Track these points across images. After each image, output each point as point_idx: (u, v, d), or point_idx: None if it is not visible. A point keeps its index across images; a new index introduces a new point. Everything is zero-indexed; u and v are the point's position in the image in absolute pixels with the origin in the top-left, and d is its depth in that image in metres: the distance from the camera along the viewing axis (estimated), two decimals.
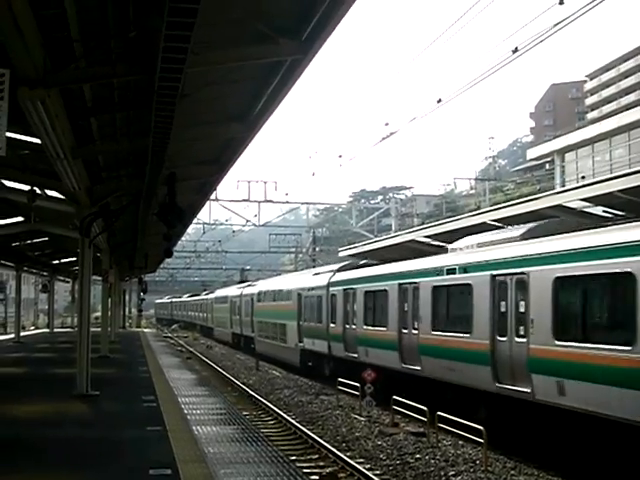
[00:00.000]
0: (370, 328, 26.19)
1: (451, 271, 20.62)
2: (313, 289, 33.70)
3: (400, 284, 23.81)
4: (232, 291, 61.18)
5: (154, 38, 9.90)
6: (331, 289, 30.96)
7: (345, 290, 29.13)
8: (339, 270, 31.98)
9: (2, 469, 11.08)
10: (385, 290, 24.87)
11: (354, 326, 27.79)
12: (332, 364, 30.89)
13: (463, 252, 21.30)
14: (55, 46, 11.49)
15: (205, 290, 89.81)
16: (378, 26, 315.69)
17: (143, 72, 11.98)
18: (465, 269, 19.83)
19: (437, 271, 21.51)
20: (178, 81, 10.91)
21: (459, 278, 20.14)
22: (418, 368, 21.99)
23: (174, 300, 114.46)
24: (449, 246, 23.03)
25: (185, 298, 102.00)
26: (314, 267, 57.28)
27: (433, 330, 21.33)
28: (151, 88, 11.58)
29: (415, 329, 22.52)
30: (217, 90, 15.18)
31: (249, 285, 54.68)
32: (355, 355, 27.19)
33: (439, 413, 18.17)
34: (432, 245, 27.77)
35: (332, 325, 30.36)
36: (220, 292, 70.41)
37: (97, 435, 14.21)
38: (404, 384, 22.60)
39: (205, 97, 15.10)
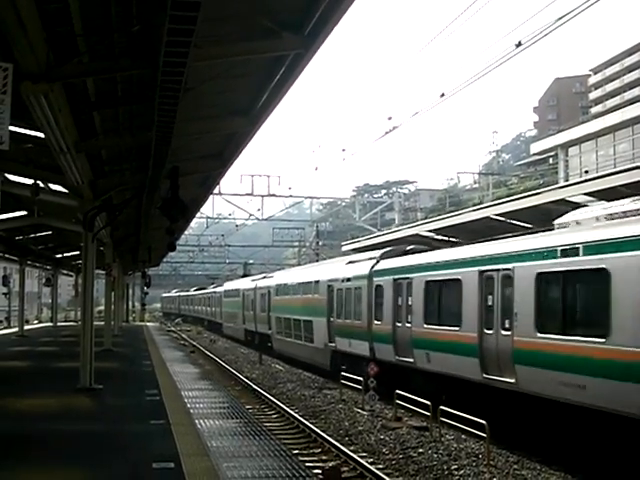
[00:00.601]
0: (434, 327, 21.14)
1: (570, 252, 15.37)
2: (349, 280, 28.52)
3: (482, 272, 18.70)
4: (244, 283, 56.08)
5: (157, 32, 9.90)
6: (375, 279, 25.99)
7: (396, 280, 24.06)
8: (384, 257, 26.80)
9: (6, 462, 11.11)
10: (457, 280, 19.84)
11: (409, 324, 22.84)
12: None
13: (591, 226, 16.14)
14: (58, 40, 11.50)
15: (213, 283, 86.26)
16: (381, 20, 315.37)
17: (146, 66, 11.98)
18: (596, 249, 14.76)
19: (548, 253, 16.21)
20: (181, 75, 10.91)
21: (585, 261, 14.90)
22: (511, 380, 17.12)
23: (181, 294, 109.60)
24: (557, 221, 18.30)
25: (192, 292, 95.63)
26: (317, 261, 56.97)
27: (541, 332, 16.07)
28: (154, 82, 11.59)
29: (506, 330, 17.31)
30: (220, 84, 15.18)
31: (264, 277, 49.73)
32: (410, 360, 22.49)
33: (442, 407, 18.20)
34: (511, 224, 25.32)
35: (377, 323, 25.46)
36: (230, 285, 64.95)
37: (101, 429, 14.23)
38: (482, 399, 18.37)
39: (208, 91, 15.10)
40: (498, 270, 18.03)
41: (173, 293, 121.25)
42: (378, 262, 26.59)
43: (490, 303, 18.32)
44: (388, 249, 28.08)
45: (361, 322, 26.64)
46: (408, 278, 23.24)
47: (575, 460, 15.10)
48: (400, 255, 26.09)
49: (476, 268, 18.99)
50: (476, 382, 18.49)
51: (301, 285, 36.61)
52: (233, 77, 14.88)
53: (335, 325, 29.86)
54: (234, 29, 12.19)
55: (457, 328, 19.59)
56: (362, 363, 25.59)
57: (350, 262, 30.15)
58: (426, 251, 24.64)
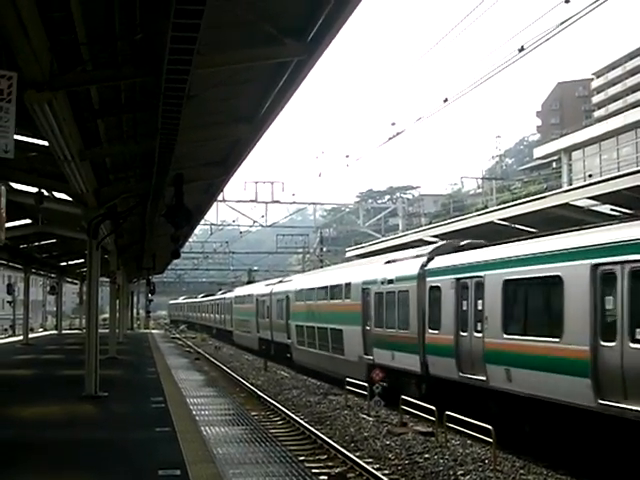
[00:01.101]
0: (519, 338, 17.04)
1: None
2: (390, 281, 24.54)
3: (596, 265, 14.49)
4: (258, 289, 51.97)
5: (160, 40, 9.92)
6: (430, 280, 21.90)
7: (460, 280, 20.14)
8: (437, 253, 22.98)
9: (12, 470, 11.11)
10: (557, 277, 15.70)
11: (478, 334, 18.83)
12: (427, 387, 21.78)
13: None
14: (62, 49, 11.53)
15: (220, 289, 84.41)
16: (384, 26, 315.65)
17: (150, 74, 12.01)
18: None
19: None
20: (184, 82, 10.93)
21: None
22: None
23: (189, 300, 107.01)
24: None
25: (200, 298, 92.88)
26: (321, 267, 56.67)
27: None
28: (158, 90, 11.61)
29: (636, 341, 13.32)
30: (223, 91, 15.20)
31: (281, 281, 45.95)
32: (480, 378, 18.60)
33: (447, 412, 18.17)
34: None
35: (431, 332, 21.43)
36: (242, 290, 61.15)
37: (106, 436, 14.22)
38: (598, 428, 14.56)
39: (211, 98, 15.13)
40: (626, 263, 13.80)
41: (180, 300, 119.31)
42: (431, 259, 22.54)
43: (611, 306, 14.24)
44: (439, 244, 24.61)
45: (409, 331, 22.63)
46: (478, 277, 19.19)
47: (581, 464, 15.07)
48: (454, 251, 22.27)
49: (587, 261, 14.73)
50: (586, 409, 14.58)
51: (328, 289, 32.45)
52: (236, 84, 14.90)
53: (372, 334, 25.80)
54: (237, 36, 12.21)
55: (557, 340, 15.47)
56: (410, 380, 22.54)
57: (389, 261, 26.26)
58: (485, 246, 20.98)
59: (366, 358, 26.23)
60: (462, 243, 22.89)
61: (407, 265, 24.01)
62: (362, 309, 26.96)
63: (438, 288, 21.22)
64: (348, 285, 29.13)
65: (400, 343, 23.31)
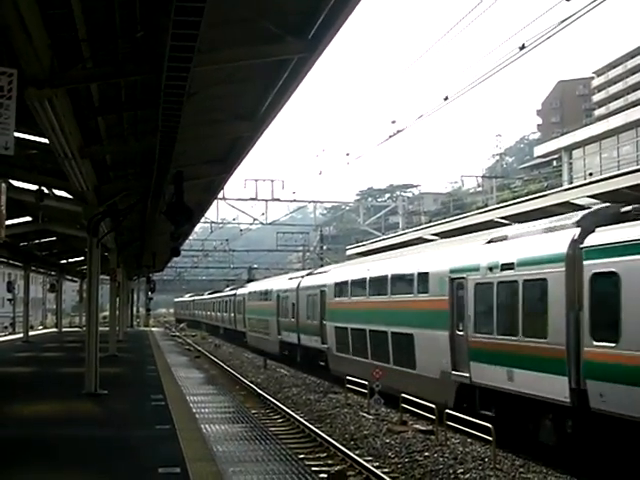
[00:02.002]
0: None
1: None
2: (507, 267, 17.52)
3: None
4: (280, 283, 44.63)
5: (161, 37, 9.92)
6: (592, 263, 14.66)
7: None
8: (597, 223, 15.47)
9: (13, 468, 11.11)
10: None
11: None
12: (576, 425, 15.09)
13: None
14: (62, 46, 11.53)
15: (228, 285, 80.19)
16: (385, 24, 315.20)
17: (150, 71, 12.01)
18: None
19: None
20: (185, 80, 10.92)
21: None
22: None
23: (196, 298, 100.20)
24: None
25: (207, 295, 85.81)
26: (321, 266, 56.10)
27: None
28: (158, 87, 11.61)
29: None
30: (224, 89, 15.21)
31: (310, 273, 38.73)
32: None
33: (447, 411, 18.17)
34: None
35: (599, 345, 14.25)
36: (257, 285, 53.73)
37: (106, 434, 14.22)
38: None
39: (212, 96, 15.13)
40: None
41: (187, 297, 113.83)
42: (588, 234, 15.16)
43: None
44: (592, 210, 17.46)
45: (548, 341, 15.62)
46: None
47: (582, 463, 15.05)
48: (618, 221, 15.15)
49: None
50: None
51: (387, 281, 25.10)
52: (237, 81, 14.91)
53: (470, 343, 18.78)
54: (238, 33, 12.20)
55: None
56: (544, 414, 16.12)
57: (494, 240, 19.30)
58: None
59: (456, 375, 19.43)
60: (625, 210, 15.72)
61: (541, 242, 16.85)
62: (450, 307, 19.99)
63: (613, 275, 14.02)
64: (424, 275, 22.03)
65: (527, 357, 16.34)
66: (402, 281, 23.91)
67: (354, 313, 28.27)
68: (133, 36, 11.53)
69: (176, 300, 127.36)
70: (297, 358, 38.18)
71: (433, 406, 18.81)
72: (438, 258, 21.80)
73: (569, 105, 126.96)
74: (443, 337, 20.06)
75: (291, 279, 42.20)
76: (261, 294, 48.49)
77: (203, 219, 46.88)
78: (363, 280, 27.43)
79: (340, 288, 30.37)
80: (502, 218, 25.95)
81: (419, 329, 21.88)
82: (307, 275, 39.07)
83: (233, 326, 61.15)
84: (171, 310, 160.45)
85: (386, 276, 25.22)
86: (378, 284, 25.92)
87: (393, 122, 29.47)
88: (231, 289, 68.34)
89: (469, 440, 17.73)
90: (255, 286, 53.86)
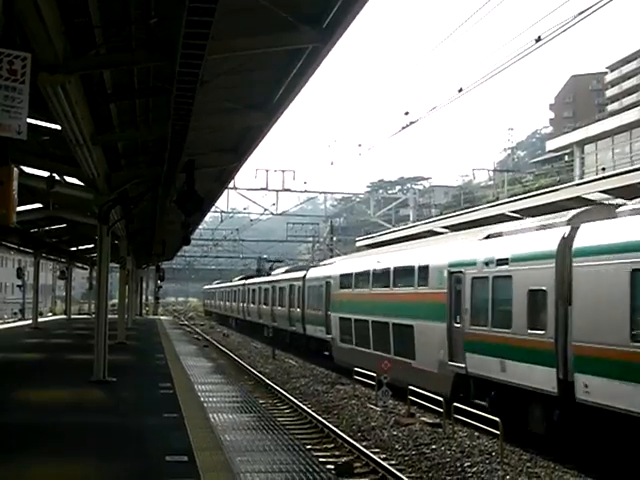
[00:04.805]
0: None
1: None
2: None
3: None
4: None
5: (175, 24, 9.88)
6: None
7: None
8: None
9: (21, 455, 11.13)
10: None
11: None
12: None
13: None
14: (76, 32, 11.51)
15: (271, 268, 64.79)
16: (400, 14, 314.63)
17: (163, 58, 11.97)
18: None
19: None
20: (198, 68, 10.87)
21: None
22: None
23: (235, 284, 72.52)
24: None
25: (256, 280, 60.08)
26: (331, 257, 55.71)
27: None
28: (171, 75, 11.56)
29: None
30: (237, 77, 15.15)
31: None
32: None
33: (455, 404, 18.14)
34: None
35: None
36: (343, 265, 33.19)
37: (114, 421, 14.23)
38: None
39: (225, 84, 15.08)
40: None
41: (224, 285, 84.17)
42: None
43: None
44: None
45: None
46: None
47: (588, 457, 15.02)
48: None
49: None
50: None
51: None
52: (250, 70, 14.85)
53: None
54: (251, 22, 12.14)
55: None
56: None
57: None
58: None
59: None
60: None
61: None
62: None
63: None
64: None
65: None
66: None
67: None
68: (147, 23, 11.51)
69: (205, 288, 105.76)
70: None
71: (441, 399, 18.79)
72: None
73: (582, 100, 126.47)
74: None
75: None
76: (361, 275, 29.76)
77: (213, 208, 46.94)
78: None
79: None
80: (513, 212, 25.87)
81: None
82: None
83: (285, 323, 44.31)
84: (181, 299, 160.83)
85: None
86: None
87: (406, 114, 29.26)
88: (281, 271, 53.15)
89: (476, 434, 17.72)
90: (343, 265, 33.27)
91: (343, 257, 37.34)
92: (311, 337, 35.77)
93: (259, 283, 56.00)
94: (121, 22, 11.89)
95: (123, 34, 12.30)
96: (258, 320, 53.87)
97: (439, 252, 22.16)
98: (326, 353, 32.21)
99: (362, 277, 28.37)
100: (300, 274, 39.54)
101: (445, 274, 20.77)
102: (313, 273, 36.31)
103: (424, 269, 22.41)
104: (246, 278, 66.17)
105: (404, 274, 24.22)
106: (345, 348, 29.59)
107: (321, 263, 38.09)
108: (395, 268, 25.00)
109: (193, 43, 9.89)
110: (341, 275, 31.09)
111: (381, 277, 26.28)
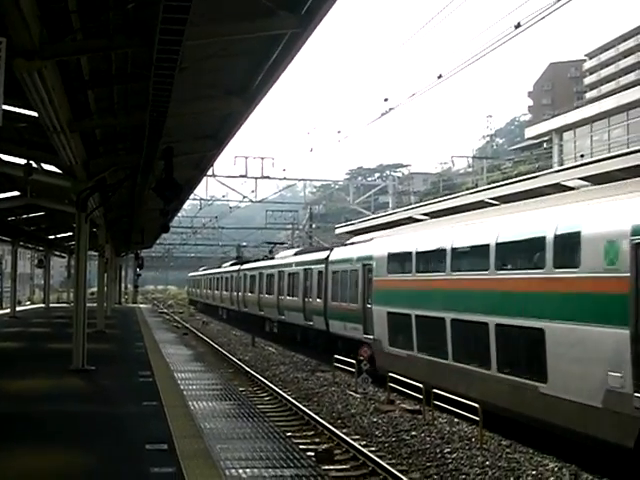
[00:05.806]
0: None
1: None
2: None
3: None
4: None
5: (153, 9, 9.78)
6: None
7: None
8: None
9: (0, 443, 11.08)
10: None
11: None
12: None
13: None
14: (52, 17, 11.35)
15: (272, 250, 60.31)
16: (378, 0, 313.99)
17: (141, 44, 11.84)
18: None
19: None
20: (177, 53, 10.77)
21: None
22: None
23: (226, 270, 64.37)
24: None
25: (256, 264, 51.74)
26: (310, 244, 55.48)
27: None
28: (149, 61, 11.45)
29: None
30: (216, 63, 15.02)
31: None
32: None
33: (435, 391, 18.19)
34: None
35: None
36: (394, 241, 24.96)
37: (93, 410, 14.19)
38: None
39: (203, 70, 14.96)
40: None
41: (211, 271, 76.67)
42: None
43: None
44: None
45: None
46: None
47: (567, 444, 15.10)
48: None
49: None
50: None
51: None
52: (229, 56, 14.73)
53: None
54: (230, 7, 12.05)
55: None
56: None
57: None
58: None
59: None
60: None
61: None
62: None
63: None
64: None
65: None
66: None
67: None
68: (124, 8, 11.39)
69: (190, 275, 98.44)
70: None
71: (421, 385, 18.82)
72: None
73: (560, 87, 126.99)
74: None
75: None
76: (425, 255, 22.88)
77: (192, 196, 46.73)
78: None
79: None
80: (492, 199, 25.91)
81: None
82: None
83: (300, 318, 35.89)
84: (160, 287, 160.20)
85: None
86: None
87: (386, 100, 29.28)
88: (291, 254, 43.44)
89: (456, 420, 17.79)
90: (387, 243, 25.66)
91: (388, 232, 27.02)
92: (337, 336, 29.00)
93: (260, 268, 47.70)
94: (98, 7, 11.75)
95: (100, 19, 12.17)
96: (258, 312, 46.71)
97: (601, 212, 14.10)
98: (361, 358, 24.35)
99: (431, 257, 21.10)
100: (321, 255, 32.95)
101: (624, 246, 12.93)
102: (339, 254, 29.79)
103: (571, 239, 14.49)
104: (241, 263, 58.96)
105: (521, 250, 17.07)
106: (399, 355, 22.27)
107: (348, 242, 31.36)
108: (500, 242, 17.29)
109: (171, 28, 9.79)
110: (391, 255, 23.77)
111: (469, 256, 19.26)
